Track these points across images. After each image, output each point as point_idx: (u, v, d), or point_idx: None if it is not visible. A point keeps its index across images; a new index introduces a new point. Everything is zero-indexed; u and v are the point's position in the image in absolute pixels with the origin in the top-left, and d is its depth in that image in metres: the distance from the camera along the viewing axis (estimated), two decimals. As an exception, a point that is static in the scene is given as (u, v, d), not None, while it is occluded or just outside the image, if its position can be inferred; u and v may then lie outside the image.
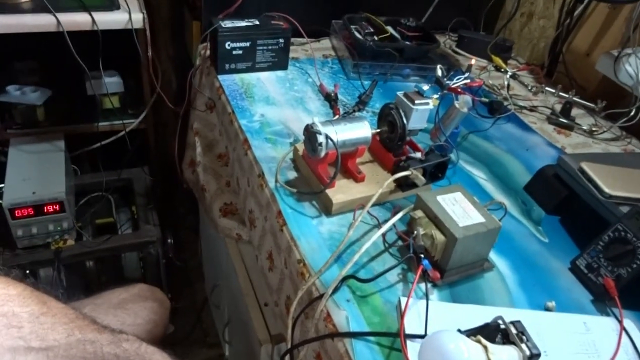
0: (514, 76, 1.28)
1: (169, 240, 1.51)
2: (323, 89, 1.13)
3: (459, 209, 0.74)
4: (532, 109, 1.22)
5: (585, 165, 0.84)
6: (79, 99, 1.48)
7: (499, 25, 1.60)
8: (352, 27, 1.26)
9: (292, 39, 1.18)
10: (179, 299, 1.63)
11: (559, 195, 0.90)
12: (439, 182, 0.89)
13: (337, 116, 1.05)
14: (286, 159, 0.91)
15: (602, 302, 0.76)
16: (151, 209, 1.46)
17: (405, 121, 0.84)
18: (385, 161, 0.89)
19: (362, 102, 1.10)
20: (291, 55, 1.21)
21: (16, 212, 1.24)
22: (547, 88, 1.18)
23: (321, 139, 0.78)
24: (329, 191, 0.81)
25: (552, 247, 0.85)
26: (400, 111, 0.85)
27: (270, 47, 1.14)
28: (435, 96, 0.86)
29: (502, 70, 1.32)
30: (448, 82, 0.88)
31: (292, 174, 0.89)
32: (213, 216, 1.08)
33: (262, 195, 0.87)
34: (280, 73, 1.17)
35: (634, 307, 0.76)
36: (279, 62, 1.17)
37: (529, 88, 1.26)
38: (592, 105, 1.15)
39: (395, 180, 0.81)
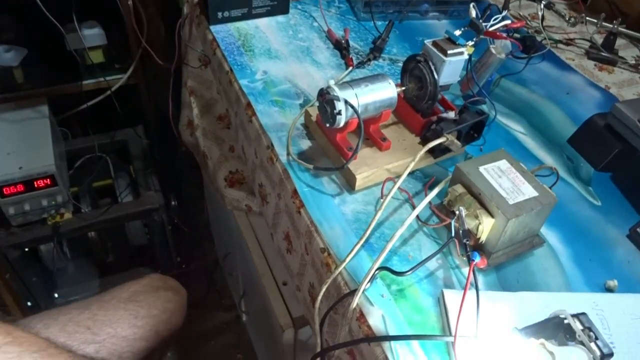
0: (548, 5, 1.12)
1: (173, 203, 1.42)
2: (332, 35, 0.99)
3: (506, 182, 0.63)
4: (569, 42, 1.07)
5: (647, 117, 0.72)
6: (59, 56, 1.33)
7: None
8: (360, -44, 1.09)
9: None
10: (190, 261, 1.56)
11: (611, 150, 0.79)
12: (474, 143, 0.77)
13: (350, 68, 0.92)
14: (297, 125, 0.79)
15: (668, 275, 0.67)
16: (150, 172, 1.35)
17: (436, 76, 0.71)
18: (413, 123, 0.77)
19: (377, 49, 0.96)
20: (292, -5, 1.06)
21: (4, 190, 1.14)
22: (587, 18, 1.03)
23: (340, 105, 0.66)
24: (351, 165, 0.70)
25: (606, 211, 0.75)
26: (430, 64, 0.72)
27: (268, -12, 0.98)
28: (470, 43, 0.73)
29: (533, -2, 1.16)
30: (485, 24, 0.74)
31: (305, 144, 0.77)
32: (218, 186, 0.98)
33: (273, 170, 0.76)
34: (281, 18, 1.02)
35: None
36: (279, 5, 1.01)
37: (566, 18, 1.10)
38: (639, 35, 1.01)
39: (428, 148, 0.69)
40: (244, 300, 1.24)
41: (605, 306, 0.61)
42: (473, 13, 0.75)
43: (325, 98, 0.67)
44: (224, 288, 1.56)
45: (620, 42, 1.07)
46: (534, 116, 0.89)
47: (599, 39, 1.05)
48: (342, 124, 0.67)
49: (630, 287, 0.65)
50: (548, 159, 0.82)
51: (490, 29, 0.74)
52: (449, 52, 0.70)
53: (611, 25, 1.01)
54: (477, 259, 0.58)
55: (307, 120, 0.79)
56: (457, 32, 0.73)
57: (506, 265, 0.65)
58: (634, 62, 1.04)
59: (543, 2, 1.05)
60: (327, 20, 1.03)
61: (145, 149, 1.42)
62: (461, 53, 0.71)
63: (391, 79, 0.71)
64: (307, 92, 0.86)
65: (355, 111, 0.66)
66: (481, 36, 0.74)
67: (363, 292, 0.59)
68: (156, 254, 1.42)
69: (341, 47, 0.96)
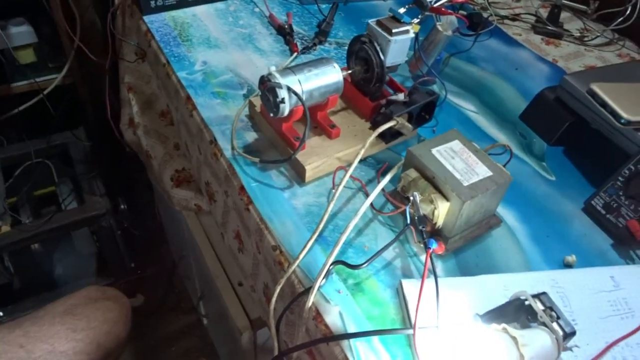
0: (494, -19, 1.11)
1: (122, 207, 1.35)
2: (274, 21, 0.94)
3: (459, 163, 0.61)
4: (515, 17, 1.07)
5: (596, 87, 0.71)
6: (-17, 57, 1.23)
7: None
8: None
9: (229, -40, 0.97)
10: (146, 266, 1.49)
11: (563, 123, 0.78)
12: (427, 125, 0.75)
13: (295, 54, 0.87)
14: (241, 117, 0.75)
15: (625, 246, 0.67)
16: (94, 176, 1.28)
17: (382, 57, 0.68)
18: (362, 107, 0.74)
19: (322, 33, 0.92)
20: (230, -20, 1.01)
21: None
22: (532, -8, 1.02)
23: (282, 93, 0.61)
24: (299, 155, 0.66)
25: (561, 185, 0.74)
26: (375, 45, 0.68)
27: (203, -27, 0.92)
28: (416, 20, 0.70)
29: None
30: (429, 0, 0.71)
31: (251, 136, 0.73)
32: (165, 187, 0.92)
33: (218, 166, 0.71)
34: (220, 5, 0.97)
35: (657, 246, 0.67)
36: (217, -10, 0.96)
37: (511, -6, 1.09)
38: (583, 7, 1.01)
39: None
40: (203, 303, 1.20)
41: (565, 283, 0.60)
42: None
43: (267, 86, 0.63)
44: (183, 291, 1.50)
45: (565, 15, 1.07)
46: (485, 94, 0.87)
47: (544, 13, 1.04)
48: (286, 113, 0.63)
49: (589, 260, 0.65)
50: (501, 137, 0.80)
51: (436, 5, 0.71)
52: (393, 31, 0.67)
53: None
54: (434, 246, 0.56)
55: (251, 111, 0.75)
56: (402, 10, 0.70)
57: (465, 249, 0.63)
58: (579, 34, 1.04)
59: (488, -22, 1.04)
60: (268, 5, 0.98)
61: (87, 152, 1.34)
62: (407, 32, 0.69)
63: (336, 63, 0.67)
64: (250, 81, 0.81)
65: (300, 98, 0.63)
66: (426, 13, 0.71)
67: (318, 289, 0.56)
68: (108, 262, 1.35)
69: (285, 33, 0.92)
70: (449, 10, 0.72)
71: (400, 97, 0.70)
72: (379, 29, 0.68)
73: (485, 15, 1.03)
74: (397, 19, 0.69)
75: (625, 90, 0.72)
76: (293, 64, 0.86)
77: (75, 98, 1.37)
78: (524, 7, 1.08)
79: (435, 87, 0.85)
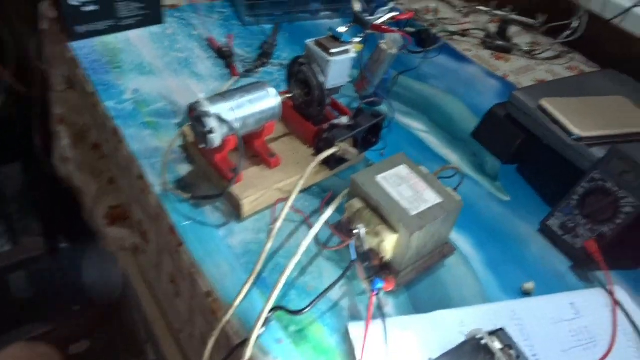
0: (440, -3, 1.09)
1: (62, 245, 1.26)
2: (214, 44, 0.89)
3: (407, 190, 0.56)
4: (464, 33, 1.05)
5: (546, 103, 0.68)
6: None
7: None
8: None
9: (164, -19, 0.92)
10: (93, 306, 1.39)
11: (515, 141, 0.75)
12: (375, 148, 0.70)
13: (234, 77, 0.82)
14: (174, 148, 0.69)
15: (583, 268, 0.64)
16: (30, 215, 1.18)
17: (322, 79, 0.64)
18: (305, 132, 0.69)
19: (265, 54, 0.88)
20: (167, 3, 0.95)
21: None
22: (479, 7, 1.01)
23: (212, 123, 0.56)
24: (235, 188, 0.60)
25: (516, 205, 0.71)
26: (314, 66, 0.64)
27: (135, -4, 0.87)
28: (357, 39, 0.66)
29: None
30: (370, 18, 0.67)
31: (184, 169, 0.67)
32: (98, 226, 0.85)
33: (147, 203, 0.65)
34: (155, 29, 0.91)
35: (616, 265, 0.64)
36: (151, 14, 0.90)
37: (458, 9, 1.07)
38: (531, 21, 1.00)
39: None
40: (149, 347, 1.11)
41: (524, 314, 0.56)
42: (357, 6, 0.68)
43: (194, 114, 0.57)
44: (132, 333, 1.41)
45: (514, 29, 1.05)
46: (435, 112, 0.84)
47: (493, 28, 1.03)
48: (216, 144, 0.57)
49: (547, 285, 0.61)
50: (452, 157, 0.77)
51: (377, 23, 0.67)
52: (332, 51, 0.63)
53: (503, 13, 0.99)
54: (380, 285, 0.51)
55: (185, 142, 0.69)
56: (342, 29, 0.66)
57: (417, 281, 0.59)
58: (528, 48, 1.02)
59: (434, -6, 1.02)
60: (208, 28, 0.93)
61: (22, 188, 1.25)
62: (347, 51, 0.64)
63: (271, 87, 0.62)
64: (185, 109, 0.76)
65: (232, 127, 0.57)
66: (367, 31, 0.67)
67: (256, 340, 0.50)
68: (47, 306, 1.25)
69: (225, 56, 0.86)
70: (392, 28, 0.69)
71: (344, 120, 0.66)
72: (318, 49, 0.64)
73: (434, 31, 1.01)
74: (336, 39, 0.65)
75: (575, 105, 0.69)
76: (233, 87, 0.81)
77: (10, 131, 1.28)
78: (473, 23, 1.07)
79: (383, 107, 0.81)
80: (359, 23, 0.67)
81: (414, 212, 0.54)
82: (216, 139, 0.57)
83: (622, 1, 0.93)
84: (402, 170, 0.59)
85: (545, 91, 0.74)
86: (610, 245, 0.62)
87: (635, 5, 0.91)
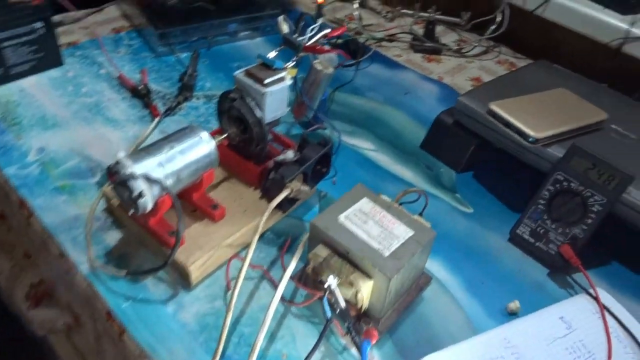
0: (362, 3, 1.04)
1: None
2: (126, 82, 0.79)
3: (374, 228, 0.50)
4: (392, 38, 1.01)
5: (496, 107, 0.65)
6: None
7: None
8: (141, -19, 0.91)
9: (58, 17, 0.81)
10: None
11: (467, 148, 0.72)
12: (325, 179, 0.64)
13: (157, 118, 0.73)
14: (97, 214, 0.59)
15: (561, 274, 0.61)
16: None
17: (259, 114, 0.56)
18: (247, 174, 0.62)
19: (187, 87, 0.79)
20: (63, 41, 0.84)
21: None
22: (403, 10, 0.97)
23: (139, 185, 0.47)
24: (179, 252, 0.52)
25: (481, 216, 0.67)
26: (248, 100, 0.57)
27: (24, 39, 0.75)
28: (290, 64, 0.59)
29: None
30: (301, 38, 0.61)
31: (113, 237, 0.57)
32: (20, 309, 0.73)
33: (74, 285, 0.55)
34: (54, 73, 0.80)
35: (593, 264, 0.62)
36: (47, 56, 0.79)
37: (383, 14, 1.04)
38: (456, 19, 0.98)
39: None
40: None
41: (517, 340, 0.52)
42: (285, 28, 0.62)
43: (116, 179, 0.48)
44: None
45: (440, 29, 1.03)
46: (379, 127, 0.79)
47: (420, 30, 1.00)
48: (149, 208, 0.49)
49: (530, 298, 0.57)
50: (406, 173, 0.72)
51: (309, 44, 0.61)
52: (266, 81, 0.56)
53: (428, 14, 0.97)
54: (369, 347, 0.44)
55: (109, 204, 0.59)
56: (272, 54, 0.59)
57: (399, 324, 0.53)
58: (456, 47, 1.01)
59: (355, 2, 0.98)
60: (117, 64, 0.83)
61: None
62: (282, 79, 0.58)
63: (202, 130, 0.54)
64: (104, 163, 0.66)
65: (163, 186, 0.49)
66: (301, 54, 0.61)
67: None
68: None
69: (141, 94, 0.77)
70: (326, 47, 0.63)
71: (290, 154, 0.59)
72: (250, 81, 0.57)
73: (361, 40, 0.97)
74: (268, 66, 0.58)
75: (523, 105, 0.67)
76: (157, 130, 0.72)
77: None
78: (399, 27, 1.03)
79: (326, 132, 0.75)
80: (289, 46, 0.61)
81: (387, 253, 0.48)
82: (147, 203, 0.48)
83: (540, -9, 0.93)
84: (365, 204, 0.53)
85: (489, 93, 0.71)
86: (585, 247, 0.59)
87: (554, -6, 0.91)
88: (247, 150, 0.60)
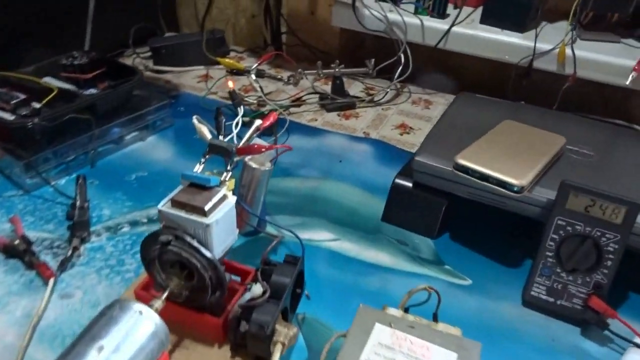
0: (259, 73, 0.94)
1: None
2: (-7, 241, 0.59)
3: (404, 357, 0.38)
4: (300, 103, 0.91)
5: (464, 161, 0.57)
6: None
7: (183, 17, 1.23)
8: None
9: None
10: None
11: (438, 211, 0.63)
12: (303, 301, 0.51)
13: (50, 280, 0.54)
14: None
15: (596, 329, 0.53)
16: None
17: (208, 253, 0.42)
18: (206, 330, 0.46)
19: (79, 225, 0.61)
20: None
21: None
22: (305, 71, 0.88)
23: None
24: None
25: (482, 285, 0.58)
26: (187, 239, 0.42)
27: None
28: (227, 175, 0.46)
29: (237, 71, 0.97)
30: (228, 138, 0.48)
31: None
32: None
33: None
34: None
35: (621, 306, 0.55)
36: None
37: (285, 80, 0.94)
38: (361, 69, 0.91)
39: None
40: None
41: None
42: (206, 133, 0.48)
43: None
44: None
45: (348, 82, 0.96)
46: (330, 209, 0.68)
47: (328, 88, 0.92)
48: None
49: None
50: (382, 257, 0.61)
51: (242, 144, 0.48)
52: (207, 207, 0.42)
53: (332, 70, 0.89)
54: None
55: None
56: (198, 168, 0.45)
57: None
58: (368, 97, 0.94)
59: (252, 73, 0.87)
60: (-27, 218, 0.62)
61: None
62: (224, 198, 0.44)
63: (138, 304, 0.38)
64: (-10, 375, 0.45)
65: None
66: (235, 159, 0.47)
67: None
68: None
69: (18, 252, 0.57)
70: (264, 144, 0.50)
71: (257, 289, 0.45)
72: (183, 214, 0.42)
73: (266, 110, 0.86)
74: (200, 186, 0.44)
75: (487, 150, 0.60)
76: (57, 296, 0.53)
77: None
78: (304, 89, 0.94)
79: (272, 228, 0.61)
80: (217, 153, 0.47)
81: (442, 397, 0.36)
82: None
83: (435, 24, 0.90)
84: (382, 334, 0.40)
85: (440, 145, 0.63)
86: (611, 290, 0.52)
87: (452, 25, 0.88)
88: (201, 301, 0.44)
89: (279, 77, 0.94)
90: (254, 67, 0.87)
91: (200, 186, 0.44)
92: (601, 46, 0.83)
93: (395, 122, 0.88)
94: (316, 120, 0.88)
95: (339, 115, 0.90)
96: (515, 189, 0.55)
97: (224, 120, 0.50)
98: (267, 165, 0.54)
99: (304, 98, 0.92)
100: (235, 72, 0.96)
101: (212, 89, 0.93)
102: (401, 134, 0.85)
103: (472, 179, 0.57)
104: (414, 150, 0.80)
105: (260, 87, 0.87)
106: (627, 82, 0.79)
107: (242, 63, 1.03)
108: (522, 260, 0.61)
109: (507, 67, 0.92)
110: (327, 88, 0.93)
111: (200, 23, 1.15)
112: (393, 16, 0.92)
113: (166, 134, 0.82)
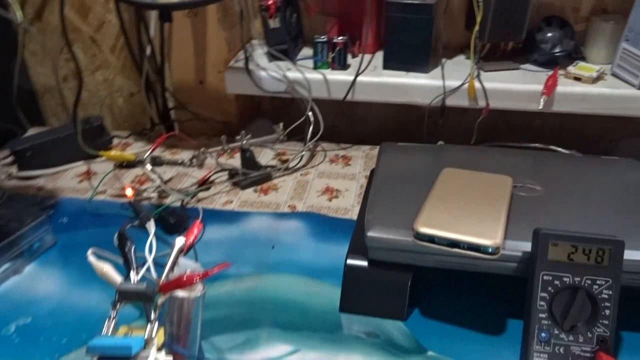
0: (154, 161, 0.80)
1: None
2: None
3: None
4: (208, 186, 0.80)
5: (426, 229, 0.49)
6: None
7: (48, 108, 1.07)
8: None
9: None
10: None
11: (404, 287, 0.54)
12: None
13: None
14: None
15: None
16: None
17: None
18: None
19: None
20: None
21: None
22: (207, 150, 0.77)
23: None
24: None
25: (477, 368, 0.49)
26: None
27: None
28: (150, 328, 0.33)
29: (127, 163, 0.83)
30: (149, 281, 0.35)
31: None
32: None
33: None
34: None
35: (628, 352, 0.50)
36: None
37: (187, 162, 0.81)
38: (271, 136, 0.82)
39: None
40: None
41: None
42: (111, 274, 0.35)
43: None
44: None
45: (257, 151, 0.86)
46: (276, 313, 0.56)
47: (237, 164, 0.81)
48: None
49: None
50: (353, 358, 0.50)
51: (165, 280, 0.36)
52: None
53: (238, 143, 0.78)
54: None
55: None
56: (109, 328, 0.32)
57: None
58: (283, 165, 0.84)
59: (146, 163, 0.73)
60: None
61: None
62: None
63: None
64: None
65: None
66: (158, 300, 0.35)
67: None
68: None
69: None
70: (195, 269, 0.38)
71: None
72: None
73: (174, 204, 0.73)
74: (118, 358, 0.30)
75: (444, 210, 0.52)
76: None
77: None
78: (210, 169, 0.82)
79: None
80: (132, 299, 0.34)
81: None
82: None
83: (339, 77, 0.85)
84: None
85: (387, 212, 0.55)
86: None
87: (358, 75, 0.83)
88: None
89: (179, 160, 0.82)
90: (146, 155, 0.73)
91: (119, 359, 0.30)
92: (504, 75, 0.83)
93: (319, 187, 0.80)
94: (231, 202, 0.76)
95: (255, 191, 0.79)
96: (490, 250, 0.48)
97: (132, 247, 0.37)
98: (199, 289, 0.41)
99: (211, 179, 0.80)
100: (124, 165, 0.81)
101: (99, 188, 0.78)
102: (329, 199, 0.76)
103: (440, 247, 0.49)
104: (349, 216, 0.72)
105: (160, 176, 0.74)
106: (540, 107, 0.78)
107: (130, 150, 0.89)
108: (509, 323, 0.54)
109: (413, 109, 0.89)
110: (235, 162, 0.83)
111: (70, 112, 1.00)
112: (292, 74, 0.85)
113: (48, 258, 0.65)
